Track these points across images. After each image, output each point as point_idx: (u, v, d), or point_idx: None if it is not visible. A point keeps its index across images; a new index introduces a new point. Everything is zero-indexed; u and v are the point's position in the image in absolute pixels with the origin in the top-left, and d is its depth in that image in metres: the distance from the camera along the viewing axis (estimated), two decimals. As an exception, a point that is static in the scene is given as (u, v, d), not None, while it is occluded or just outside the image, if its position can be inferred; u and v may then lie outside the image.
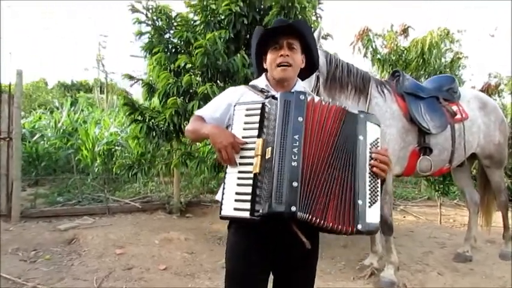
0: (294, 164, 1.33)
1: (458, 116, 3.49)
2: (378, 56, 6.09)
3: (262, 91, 1.65)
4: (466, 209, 4.39)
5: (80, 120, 8.73)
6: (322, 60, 3.06)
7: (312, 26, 4.28)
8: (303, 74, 1.77)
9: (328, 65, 3.14)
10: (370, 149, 1.46)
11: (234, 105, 1.53)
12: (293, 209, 1.29)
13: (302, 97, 1.43)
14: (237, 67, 3.83)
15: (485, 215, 4.22)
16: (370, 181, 1.43)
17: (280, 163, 1.33)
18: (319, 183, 1.36)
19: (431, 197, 6.41)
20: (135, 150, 5.64)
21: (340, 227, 1.34)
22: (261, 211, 1.33)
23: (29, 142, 7.30)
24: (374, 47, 6.12)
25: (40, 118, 9.56)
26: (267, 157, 1.38)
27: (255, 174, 1.38)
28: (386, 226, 3.28)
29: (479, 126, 3.66)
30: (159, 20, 4.22)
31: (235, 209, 1.38)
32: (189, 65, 3.95)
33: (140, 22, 4.23)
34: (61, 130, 8.21)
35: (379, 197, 1.43)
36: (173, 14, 4.33)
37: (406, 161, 3.37)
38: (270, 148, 1.38)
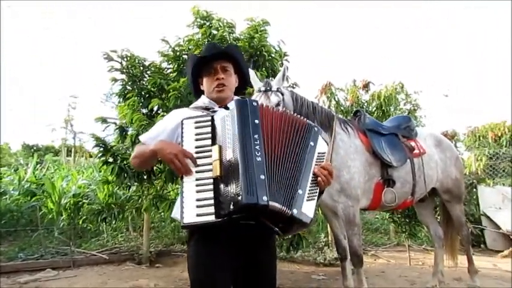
0: (259, 159, 1.42)
1: (416, 151, 3.73)
2: (341, 108, 6.48)
3: (207, 108, 1.76)
4: (433, 252, 4.47)
5: (47, 177, 8.47)
6: (288, 98, 3.27)
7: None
8: (237, 90, 1.94)
9: (295, 103, 3.34)
10: (317, 156, 1.58)
11: (182, 120, 1.58)
12: (265, 198, 1.36)
13: (255, 104, 1.56)
14: (209, 110, 4.00)
15: (451, 251, 4.34)
16: (311, 181, 1.52)
17: (246, 160, 1.41)
18: (279, 176, 1.46)
19: (400, 243, 6.55)
20: (103, 200, 5.53)
21: (284, 208, 1.40)
22: (231, 207, 1.36)
23: (-11, 199, 6.99)
24: (337, 99, 6.52)
25: (2, 176, 9.19)
26: (228, 158, 1.46)
27: (215, 179, 1.45)
28: (356, 258, 3.33)
29: (436, 162, 3.90)
30: (133, 68, 4.41)
31: (198, 215, 1.40)
32: (162, 108, 4.10)
33: (115, 70, 4.39)
34: (25, 187, 7.94)
35: (316, 198, 1.52)
36: (147, 63, 4.54)
37: (371, 194, 3.51)
38: (230, 150, 1.46)
